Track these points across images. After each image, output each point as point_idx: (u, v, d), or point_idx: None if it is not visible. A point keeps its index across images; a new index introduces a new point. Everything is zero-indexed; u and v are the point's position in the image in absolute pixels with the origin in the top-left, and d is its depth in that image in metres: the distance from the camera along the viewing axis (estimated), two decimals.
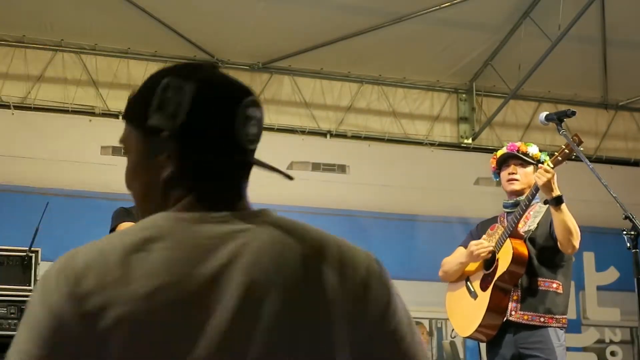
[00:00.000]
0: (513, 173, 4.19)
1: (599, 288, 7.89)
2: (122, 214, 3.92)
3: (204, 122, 1.26)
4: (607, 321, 7.88)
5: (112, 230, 3.89)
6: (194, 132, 1.26)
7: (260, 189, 7.63)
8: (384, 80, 7.71)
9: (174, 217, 1.25)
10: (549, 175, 3.84)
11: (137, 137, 1.31)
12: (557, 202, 3.88)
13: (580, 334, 7.75)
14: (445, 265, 4.34)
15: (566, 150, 3.91)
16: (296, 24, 6.80)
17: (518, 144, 4.27)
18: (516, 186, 4.17)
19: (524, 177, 4.17)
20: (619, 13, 6.87)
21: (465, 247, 4.28)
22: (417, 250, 7.12)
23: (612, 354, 7.87)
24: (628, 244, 3.37)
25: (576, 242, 3.93)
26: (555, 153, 3.97)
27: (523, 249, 4.04)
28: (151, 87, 1.29)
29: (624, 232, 3.39)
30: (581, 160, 3.72)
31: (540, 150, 4.27)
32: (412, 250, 7.27)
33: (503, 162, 4.25)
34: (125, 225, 3.85)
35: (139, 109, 1.30)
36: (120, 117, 1.38)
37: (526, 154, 4.19)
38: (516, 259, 4.00)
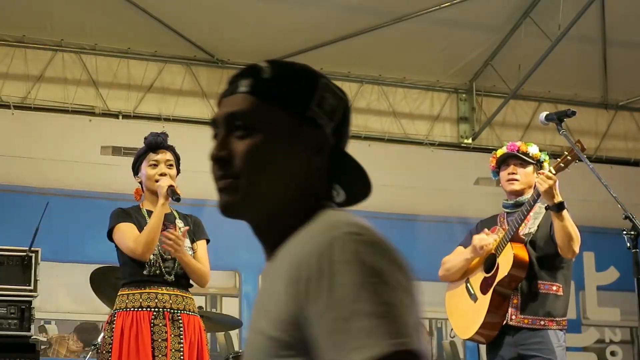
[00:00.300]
0: (513, 173, 4.18)
1: (599, 288, 7.89)
2: (120, 215, 3.91)
3: (347, 128, 1.37)
4: (607, 321, 7.88)
5: (110, 231, 3.89)
6: (341, 134, 1.35)
7: None
8: (384, 80, 7.71)
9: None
10: (551, 182, 3.83)
11: (286, 119, 1.30)
12: (559, 208, 3.87)
13: (580, 334, 7.75)
14: (448, 264, 4.31)
15: (568, 157, 3.89)
16: (296, 24, 6.80)
17: (518, 143, 4.26)
18: (516, 186, 4.17)
19: (524, 177, 4.17)
20: (619, 13, 6.87)
21: (465, 246, 4.27)
22: (417, 250, 7.11)
23: (612, 354, 7.87)
24: (628, 244, 3.37)
25: (576, 248, 3.93)
26: (558, 159, 3.95)
27: (524, 254, 4.03)
28: (310, 83, 1.32)
29: (624, 232, 3.39)
30: (581, 160, 3.72)
31: (540, 150, 4.26)
32: (412, 250, 7.27)
33: (503, 162, 4.24)
34: (124, 226, 3.84)
35: (298, 97, 1.31)
36: (252, 93, 1.31)
37: (526, 154, 4.18)
38: (517, 263, 4.00)
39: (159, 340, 3.72)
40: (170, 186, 3.83)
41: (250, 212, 1.33)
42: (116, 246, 3.90)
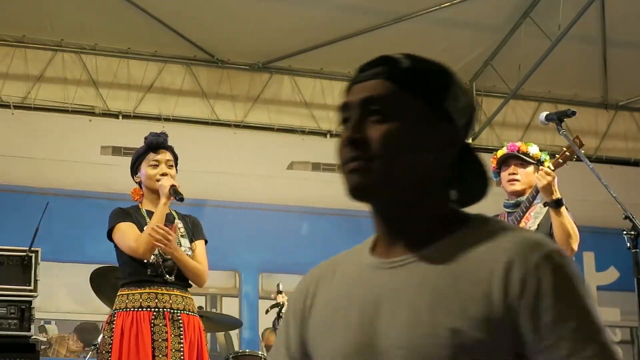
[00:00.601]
0: (514, 173, 4.18)
1: (599, 288, 7.89)
2: (120, 215, 3.90)
3: (470, 129, 1.38)
4: (607, 321, 7.87)
5: (110, 230, 3.88)
6: (466, 133, 1.37)
7: (261, 189, 7.66)
8: None
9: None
10: (550, 178, 3.84)
11: (423, 109, 1.31)
12: (557, 204, 3.87)
13: None
14: None
15: (567, 153, 3.91)
16: (296, 24, 6.80)
17: (518, 144, 4.26)
18: (517, 186, 4.17)
19: (524, 177, 4.17)
20: (619, 13, 6.87)
21: None
22: None
23: None
24: (628, 244, 3.37)
25: (575, 245, 3.93)
26: (557, 155, 3.97)
27: None
28: (446, 78, 1.34)
29: (624, 232, 3.38)
30: (581, 160, 3.72)
31: (541, 150, 4.26)
32: None
33: (503, 162, 4.24)
34: (124, 226, 3.83)
35: (435, 90, 1.32)
36: (390, 79, 1.32)
37: (527, 154, 4.18)
38: None
39: (159, 340, 3.72)
40: (173, 185, 3.82)
41: (381, 195, 1.33)
42: (115, 246, 3.89)
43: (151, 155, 3.90)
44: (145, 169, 3.89)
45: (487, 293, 1.23)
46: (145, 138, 3.96)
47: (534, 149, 4.21)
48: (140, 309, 3.74)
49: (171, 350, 3.71)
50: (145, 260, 3.79)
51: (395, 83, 1.31)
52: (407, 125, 1.30)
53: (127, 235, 3.79)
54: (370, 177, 1.29)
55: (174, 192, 3.80)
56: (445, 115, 1.32)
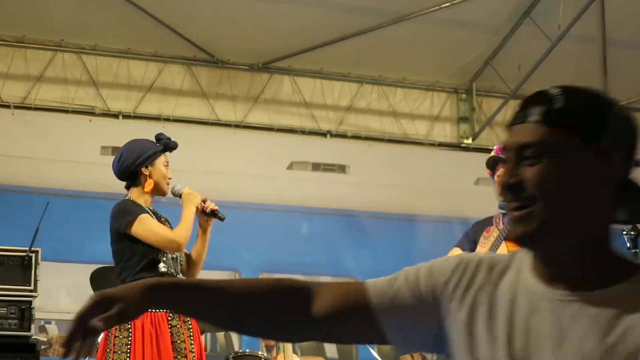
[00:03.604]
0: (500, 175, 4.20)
1: None
2: (135, 206, 3.83)
3: (635, 153, 1.36)
4: None
5: (131, 222, 3.77)
6: (629, 160, 1.34)
7: (261, 189, 7.64)
8: (384, 80, 7.71)
9: None
10: None
11: (577, 148, 1.31)
12: None
13: None
14: None
15: None
16: (296, 24, 6.80)
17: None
18: None
19: None
20: (619, 13, 6.87)
21: (461, 247, 4.29)
22: (417, 250, 7.11)
23: None
24: (628, 244, 3.37)
25: None
26: None
27: None
28: (602, 112, 1.34)
29: (624, 232, 3.38)
30: None
31: None
32: (412, 250, 7.27)
33: (494, 166, 4.28)
34: (147, 217, 3.77)
35: (589, 127, 1.32)
36: (544, 122, 1.33)
37: None
38: None
39: (178, 341, 3.71)
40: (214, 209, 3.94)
41: (548, 240, 1.32)
42: (123, 241, 3.81)
43: (165, 157, 3.94)
44: (161, 167, 3.91)
45: None
46: (160, 139, 3.97)
47: None
48: (157, 310, 3.68)
49: (190, 352, 3.72)
50: (159, 258, 3.78)
51: (548, 124, 1.31)
52: (560, 164, 1.30)
53: (154, 224, 3.76)
54: (532, 224, 1.30)
55: (213, 214, 3.93)
56: (600, 152, 1.31)
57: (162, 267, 3.78)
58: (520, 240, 1.32)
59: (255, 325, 1.46)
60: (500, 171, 4.21)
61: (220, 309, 1.43)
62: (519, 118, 1.35)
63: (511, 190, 1.31)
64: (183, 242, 3.77)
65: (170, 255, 3.83)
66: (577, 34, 6.73)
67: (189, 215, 3.85)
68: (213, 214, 3.93)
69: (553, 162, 1.30)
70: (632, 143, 1.35)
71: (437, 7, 6.71)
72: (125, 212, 3.79)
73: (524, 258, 1.39)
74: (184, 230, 3.79)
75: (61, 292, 6.59)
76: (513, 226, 1.32)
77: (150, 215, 3.83)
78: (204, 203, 3.92)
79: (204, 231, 3.97)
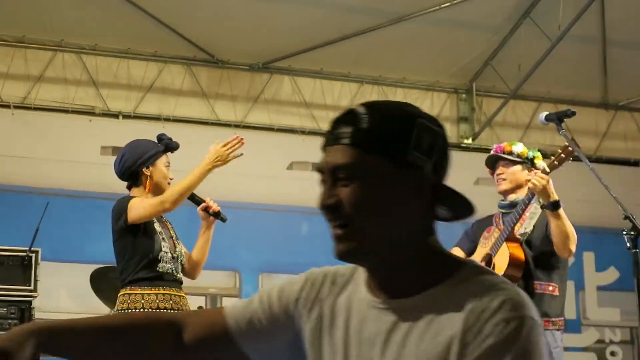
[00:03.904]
0: (500, 174, 4.22)
1: (599, 288, 7.89)
2: (129, 197, 3.88)
3: (446, 159, 1.42)
4: (607, 321, 7.88)
5: (127, 213, 3.79)
6: (441, 166, 1.41)
7: (261, 189, 7.66)
8: (384, 80, 7.71)
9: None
10: (544, 182, 3.85)
11: (386, 166, 1.37)
12: (554, 207, 3.88)
13: (580, 334, 7.75)
14: None
15: (562, 155, 3.91)
16: (296, 24, 6.80)
17: (503, 144, 4.30)
18: (504, 186, 4.20)
19: (510, 176, 4.20)
20: (619, 13, 6.88)
21: (461, 247, 4.29)
22: None
23: (612, 354, 7.87)
24: (628, 244, 3.37)
25: (572, 247, 3.93)
26: (552, 157, 3.97)
27: (519, 253, 4.04)
28: (407, 126, 1.38)
29: (624, 232, 3.38)
30: (581, 160, 3.72)
31: (530, 148, 4.27)
32: None
33: (493, 165, 4.29)
34: (137, 199, 3.79)
35: (396, 144, 1.37)
36: (353, 145, 1.40)
37: (511, 153, 4.21)
38: (513, 262, 4.00)
39: None
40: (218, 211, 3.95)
41: (366, 256, 1.40)
42: (123, 240, 3.83)
43: (166, 157, 3.95)
44: (162, 167, 3.92)
45: (443, 344, 1.31)
46: (162, 139, 3.97)
47: (518, 148, 4.23)
48: (157, 310, 3.70)
49: None
50: (160, 257, 3.78)
51: (357, 147, 1.37)
52: (372, 184, 1.36)
53: (143, 200, 3.77)
54: (352, 243, 1.37)
55: (194, 197, 3.89)
56: (409, 164, 1.37)
57: (160, 266, 3.78)
58: (342, 257, 1.39)
59: None
60: (498, 169, 4.22)
61: (94, 347, 1.49)
62: (330, 139, 1.41)
63: (329, 210, 1.38)
64: (169, 200, 3.73)
65: (170, 255, 3.83)
66: (577, 34, 6.73)
67: (193, 175, 3.83)
68: (216, 215, 3.94)
69: (365, 183, 1.36)
70: (440, 149, 1.41)
71: (437, 7, 6.71)
72: (122, 209, 3.81)
73: (363, 271, 1.47)
74: (175, 188, 3.78)
75: (61, 292, 6.59)
76: (335, 244, 1.39)
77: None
78: (209, 203, 3.94)
79: (207, 231, 3.97)
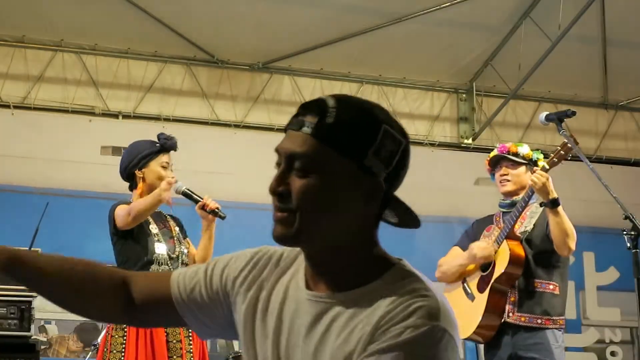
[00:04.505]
0: (504, 175, 4.21)
1: (599, 288, 7.89)
2: (121, 203, 3.90)
3: (403, 170, 1.44)
4: (607, 321, 7.88)
5: (115, 218, 3.83)
6: (396, 176, 1.43)
7: (261, 189, 7.51)
8: (384, 80, 7.71)
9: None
10: (544, 179, 3.85)
11: (343, 166, 1.37)
12: (554, 204, 3.88)
13: (580, 334, 7.75)
14: (443, 266, 4.33)
15: (562, 152, 3.92)
16: (296, 24, 6.80)
17: (508, 145, 4.28)
18: (508, 187, 4.19)
19: (515, 177, 4.19)
20: (619, 13, 6.87)
21: (461, 246, 4.28)
22: (417, 250, 7.11)
23: (612, 354, 7.87)
24: (628, 244, 3.37)
25: (572, 244, 3.93)
26: (551, 154, 3.98)
27: (520, 251, 4.04)
28: (372, 130, 1.38)
29: (624, 232, 3.39)
30: (581, 160, 3.72)
31: (534, 150, 4.27)
32: (412, 250, 7.27)
33: (496, 164, 4.27)
34: (121, 205, 3.81)
35: (357, 145, 1.37)
36: (315, 136, 1.39)
37: (516, 154, 4.20)
38: (513, 260, 4.01)
39: (174, 341, 3.73)
40: (217, 208, 3.88)
41: (303, 244, 1.43)
42: (120, 242, 3.88)
43: (164, 157, 3.93)
44: (156, 168, 3.90)
45: (361, 340, 1.34)
46: (159, 138, 3.97)
47: (524, 149, 4.22)
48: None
49: (186, 352, 3.72)
50: (154, 258, 3.79)
51: (319, 139, 1.36)
52: (327, 180, 1.37)
53: (125, 208, 3.80)
54: (290, 229, 1.38)
55: (192, 195, 3.87)
56: (366, 169, 1.38)
57: (153, 268, 3.80)
58: (277, 239, 1.41)
59: (76, 304, 1.66)
60: (502, 170, 4.21)
61: (50, 286, 1.61)
62: (294, 124, 1.40)
63: (278, 195, 1.39)
64: (131, 217, 3.73)
65: (167, 256, 3.83)
66: (577, 34, 6.73)
67: (151, 194, 3.81)
68: (214, 212, 3.92)
69: (320, 178, 1.36)
70: (399, 160, 1.42)
71: (437, 7, 6.71)
72: (110, 216, 3.88)
73: (301, 261, 1.50)
74: (139, 202, 3.77)
75: None
76: (274, 224, 1.41)
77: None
78: (206, 201, 3.92)
79: (208, 230, 3.96)
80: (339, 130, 1.37)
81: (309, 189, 1.36)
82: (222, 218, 3.95)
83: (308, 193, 1.37)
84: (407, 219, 1.47)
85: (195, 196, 3.94)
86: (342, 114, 1.38)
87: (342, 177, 1.37)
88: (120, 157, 4.08)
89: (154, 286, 1.59)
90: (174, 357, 3.70)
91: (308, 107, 1.40)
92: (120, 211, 3.79)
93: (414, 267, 1.51)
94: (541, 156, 4.17)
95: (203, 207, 3.93)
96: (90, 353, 5.05)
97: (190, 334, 3.79)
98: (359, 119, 1.39)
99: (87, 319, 6.49)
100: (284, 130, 1.43)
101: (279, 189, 1.39)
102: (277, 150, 1.42)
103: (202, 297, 1.54)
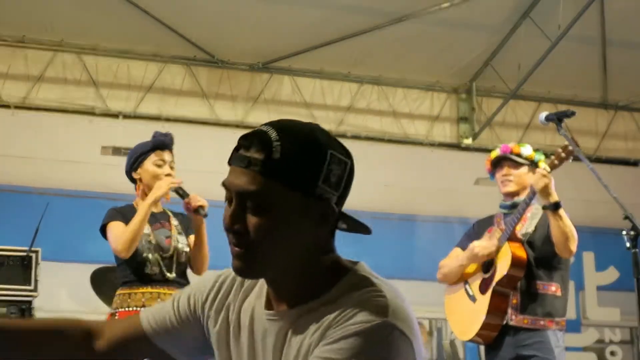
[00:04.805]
0: (506, 175, 4.19)
1: (599, 288, 7.89)
2: (112, 214, 3.91)
3: (349, 188, 1.45)
4: (607, 321, 7.89)
5: (104, 228, 3.87)
6: (343, 200, 1.45)
7: None
8: (384, 80, 7.71)
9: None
10: (546, 181, 3.85)
11: (295, 199, 1.39)
12: (555, 207, 3.88)
13: (580, 334, 7.76)
14: (444, 268, 4.32)
15: (562, 154, 3.91)
16: (296, 24, 6.80)
17: (511, 145, 4.27)
18: (510, 187, 4.18)
19: (517, 178, 4.17)
20: (618, 13, 6.87)
21: (462, 248, 4.27)
22: (417, 250, 7.12)
23: (612, 354, 7.88)
24: (628, 244, 3.37)
25: (573, 247, 3.93)
26: (552, 157, 3.97)
27: (521, 253, 4.04)
28: (318, 159, 1.40)
29: (624, 232, 3.38)
30: (581, 160, 3.72)
31: (536, 150, 4.26)
32: (412, 250, 7.27)
33: (497, 164, 4.26)
34: (114, 225, 3.82)
35: (306, 177, 1.39)
36: (263, 174, 1.40)
37: (519, 155, 4.19)
38: (515, 262, 4.00)
39: None
40: (179, 187, 3.83)
41: (261, 275, 1.48)
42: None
43: (157, 154, 3.91)
44: (150, 167, 3.89)
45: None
46: (153, 136, 3.96)
47: (526, 150, 4.21)
48: (142, 308, 3.72)
49: None
50: (144, 259, 3.80)
51: (268, 177, 1.38)
52: (280, 215, 1.39)
53: (115, 234, 3.80)
54: (248, 263, 1.42)
55: (178, 191, 3.83)
56: (319, 198, 1.40)
57: (147, 269, 3.80)
58: (238, 273, 1.46)
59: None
60: (504, 170, 4.20)
61: (15, 347, 1.60)
62: (239, 160, 1.41)
63: (235, 233, 1.42)
64: (121, 246, 3.74)
65: (158, 256, 3.83)
66: (577, 34, 6.73)
67: (137, 214, 3.80)
68: (196, 211, 3.86)
69: (273, 215, 1.39)
70: (346, 180, 1.44)
71: (437, 7, 6.71)
72: (103, 219, 3.88)
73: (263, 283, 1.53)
74: (124, 235, 3.76)
75: (61, 292, 6.59)
76: (233, 260, 1.45)
77: (125, 223, 3.83)
78: (188, 200, 3.84)
79: (197, 230, 3.91)
80: (287, 165, 1.38)
81: (265, 226, 1.39)
82: (203, 217, 3.88)
83: (264, 230, 1.39)
84: (357, 225, 1.49)
85: (182, 191, 3.90)
86: (287, 146, 1.38)
87: (295, 209, 1.39)
88: (120, 157, 4.08)
89: (124, 327, 1.65)
90: None
91: (250, 142, 1.42)
92: (114, 237, 3.79)
93: (402, 265, 1.53)
94: (543, 157, 4.16)
95: (187, 207, 3.88)
96: None
97: None
98: (305, 150, 1.40)
99: (87, 318, 6.51)
100: (228, 163, 1.45)
101: (235, 227, 1.41)
102: (225, 185, 1.43)
103: (173, 324, 1.60)
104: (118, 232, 3.79)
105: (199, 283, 1.62)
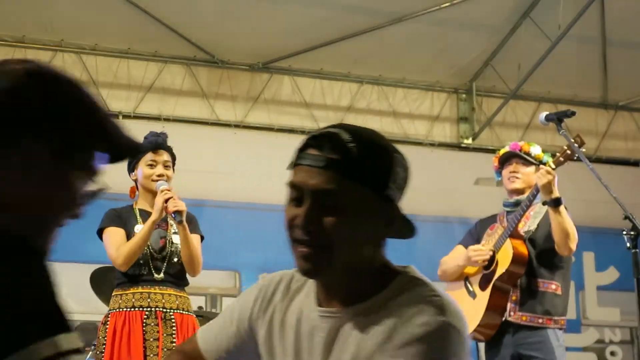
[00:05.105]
0: (514, 172, 4.19)
1: (598, 288, 7.89)
2: (111, 217, 3.90)
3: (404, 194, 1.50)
4: (607, 321, 7.88)
5: (101, 231, 3.87)
6: (401, 200, 1.50)
7: (261, 189, 7.65)
8: (384, 80, 7.71)
9: None
10: (550, 177, 3.86)
11: (369, 199, 1.43)
12: (556, 203, 3.88)
13: (580, 334, 7.75)
14: (444, 265, 4.34)
15: (568, 151, 3.92)
16: (296, 24, 6.80)
17: (521, 143, 4.29)
18: (517, 184, 4.18)
19: (524, 176, 4.18)
20: (619, 13, 6.87)
21: (465, 245, 4.28)
22: (417, 250, 7.10)
23: (612, 354, 7.87)
24: (628, 244, 3.37)
25: (573, 245, 3.94)
26: (557, 153, 3.98)
27: (523, 249, 4.04)
28: (388, 161, 1.46)
29: (624, 232, 3.39)
30: (581, 160, 3.72)
31: (543, 151, 4.27)
32: (412, 250, 7.25)
33: (505, 161, 4.26)
34: (112, 231, 3.82)
35: (380, 177, 1.44)
36: (341, 173, 1.42)
37: (528, 154, 4.20)
38: (516, 259, 4.01)
39: (151, 339, 3.73)
40: (179, 211, 3.78)
41: (331, 275, 1.48)
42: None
43: (149, 155, 3.91)
44: (142, 168, 3.90)
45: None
46: (145, 137, 3.96)
47: (536, 150, 4.22)
48: (132, 309, 3.76)
49: (162, 349, 3.71)
50: (140, 260, 3.80)
51: (345, 177, 1.40)
52: (356, 214, 1.42)
53: (111, 241, 3.81)
54: (320, 264, 1.43)
55: (176, 215, 3.78)
56: (387, 198, 1.45)
57: (137, 269, 3.81)
58: (307, 275, 1.47)
59: None
60: (512, 167, 4.20)
61: None
62: (310, 160, 1.43)
63: (309, 233, 1.42)
64: (121, 261, 3.74)
65: (149, 256, 3.84)
66: (577, 34, 6.73)
67: (140, 232, 3.78)
68: (173, 215, 3.82)
69: (350, 214, 1.41)
70: (407, 182, 1.52)
71: (437, 7, 6.71)
72: (101, 221, 3.91)
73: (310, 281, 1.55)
74: (126, 248, 3.76)
75: (61, 292, 6.57)
76: (300, 261, 1.44)
77: (123, 227, 3.82)
78: (167, 203, 3.79)
79: (180, 232, 3.87)
80: (363, 165, 1.41)
81: (342, 225, 1.41)
82: (178, 223, 3.82)
83: (341, 230, 1.41)
84: (406, 231, 1.53)
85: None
86: (361, 147, 1.42)
87: (369, 210, 1.43)
88: None
89: (185, 355, 1.68)
90: (151, 355, 3.70)
91: (323, 142, 1.43)
92: (110, 244, 3.79)
93: (419, 272, 1.55)
94: (551, 159, 4.17)
95: (166, 210, 3.83)
96: (90, 353, 5.05)
97: (174, 332, 3.77)
98: (377, 152, 1.45)
99: (87, 319, 6.51)
100: (294, 165, 1.46)
101: (311, 227, 1.41)
102: (295, 185, 1.44)
103: (230, 345, 1.64)
104: (115, 240, 3.80)
105: (243, 299, 1.64)
